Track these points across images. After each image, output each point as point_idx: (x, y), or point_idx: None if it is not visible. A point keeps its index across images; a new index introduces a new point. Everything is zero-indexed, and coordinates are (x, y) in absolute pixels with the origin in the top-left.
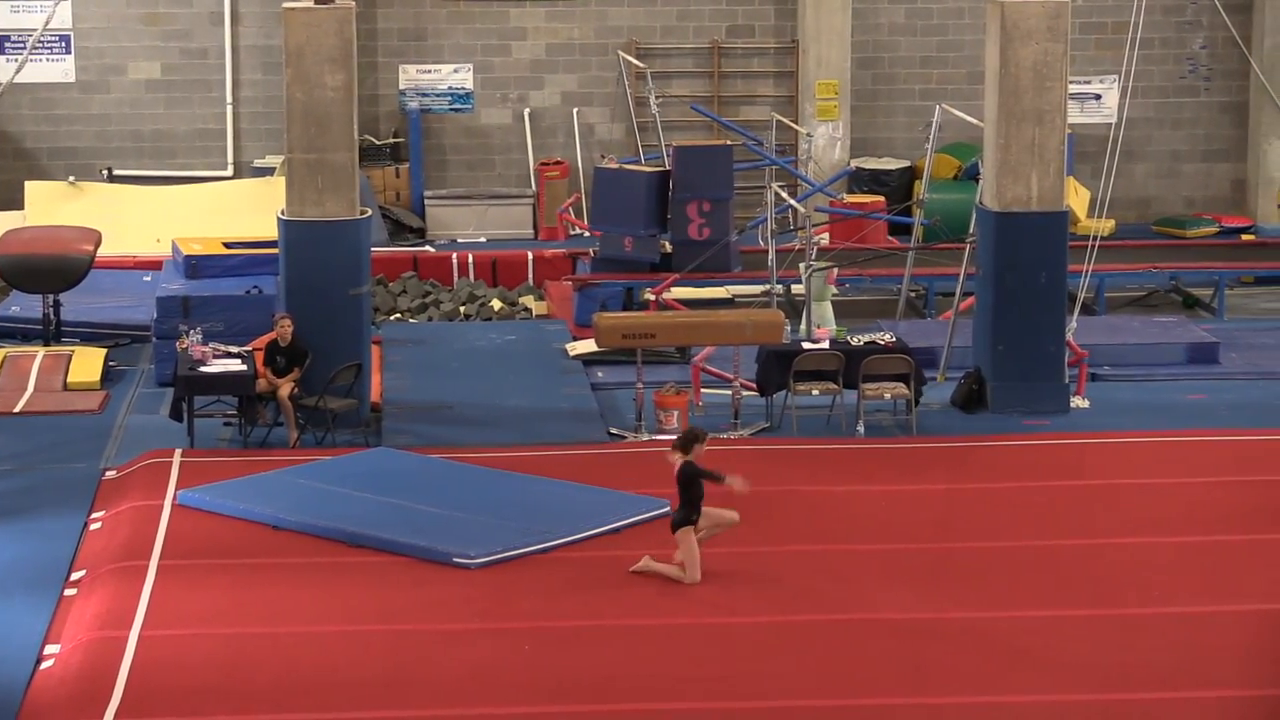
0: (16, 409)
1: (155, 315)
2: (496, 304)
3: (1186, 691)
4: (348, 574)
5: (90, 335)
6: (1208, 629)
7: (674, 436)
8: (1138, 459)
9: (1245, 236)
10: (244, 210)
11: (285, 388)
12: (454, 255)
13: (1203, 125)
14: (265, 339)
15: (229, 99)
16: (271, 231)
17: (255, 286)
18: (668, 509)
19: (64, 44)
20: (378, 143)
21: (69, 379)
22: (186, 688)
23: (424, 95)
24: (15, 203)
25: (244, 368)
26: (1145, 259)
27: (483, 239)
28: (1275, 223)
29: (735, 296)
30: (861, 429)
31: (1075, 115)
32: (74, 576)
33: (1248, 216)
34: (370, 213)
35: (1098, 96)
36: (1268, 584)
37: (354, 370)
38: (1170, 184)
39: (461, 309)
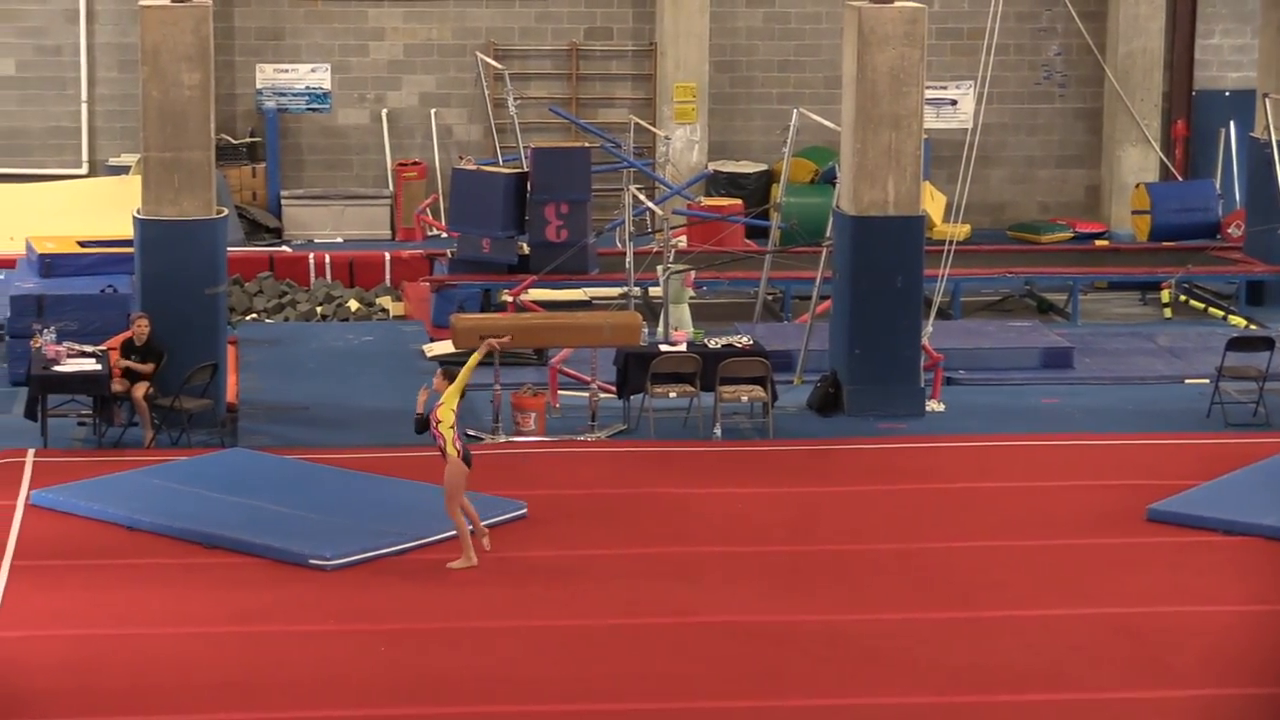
0: None
1: (9, 314)
2: (353, 305)
3: (1038, 694)
4: (203, 575)
5: None
6: (1059, 631)
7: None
8: (992, 463)
9: (1099, 242)
10: (99, 209)
11: (140, 388)
12: (311, 255)
13: (1057, 131)
14: (120, 338)
15: (84, 96)
16: (127, 230)
17: (110, 286)
18: (524, 511)
19: None
20: (234, 142)
21: None
22: (39, 689)
23: (281, 95)
24: None
25: (98, 367)
26: (1000, 264)
27: (340, 239)
28: (1129, 228)
29: (593, 299)
30: (718, 431)
31: (931, 121)
32: None
33: (1102, 222)
34: (226, 212)
35: (954, 102)
36: (1117, 587)
37: (210, 370)
38: (1025, 189)
39: (318, 309)
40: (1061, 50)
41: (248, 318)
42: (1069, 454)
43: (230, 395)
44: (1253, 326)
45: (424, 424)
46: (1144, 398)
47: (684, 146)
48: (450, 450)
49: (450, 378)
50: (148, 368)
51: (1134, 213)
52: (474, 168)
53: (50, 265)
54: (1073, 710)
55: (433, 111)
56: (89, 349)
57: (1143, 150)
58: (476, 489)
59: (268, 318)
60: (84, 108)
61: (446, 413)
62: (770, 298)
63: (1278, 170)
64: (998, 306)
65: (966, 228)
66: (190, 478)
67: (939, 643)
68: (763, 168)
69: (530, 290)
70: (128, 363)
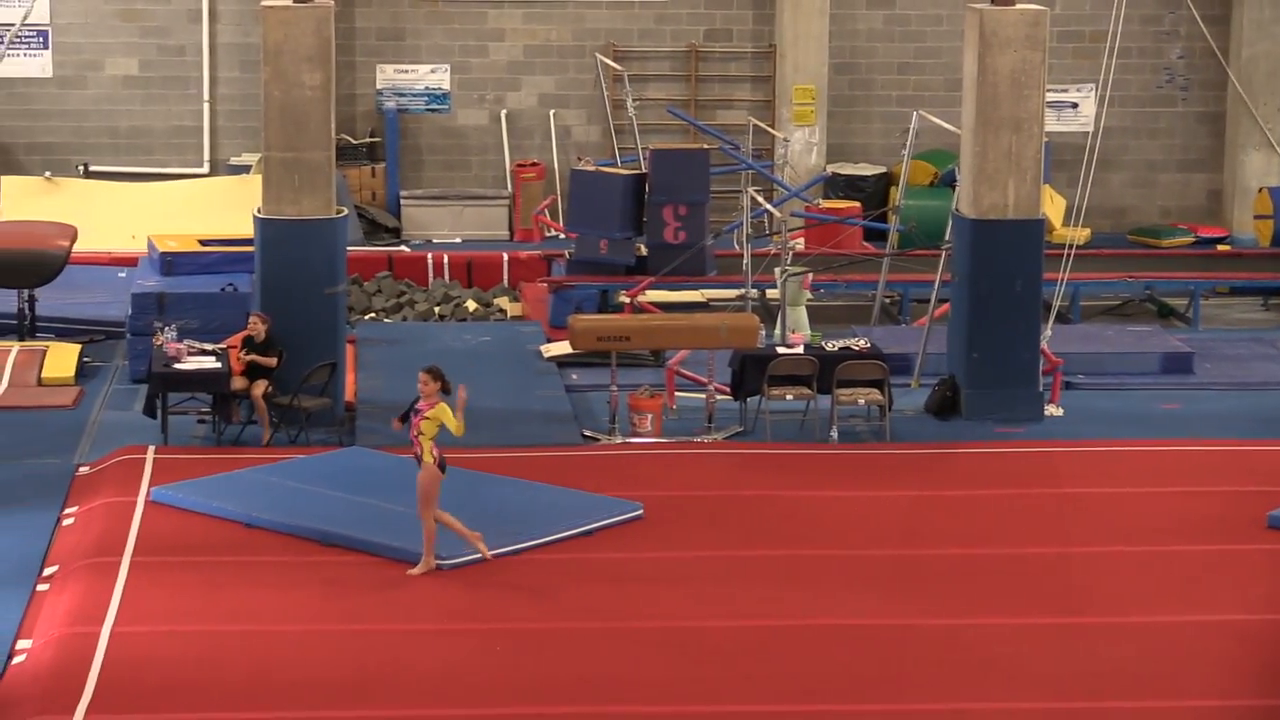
0: None
1: (130, 312)
2: (471, 305)
3: (1154, 701)
4: (319, 573)
5: (65, 331)
6: (1177, 638)
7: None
8: (1110, 468)
9: (1221, 247)
10: (220, 208)
11: (259, 386)
12: (429, 255)
13: (1179, 135)
14: (240, 336)
15: (206, 96)
16: (247, 229)
17: (230, 284)
18: (641, 512)
19: (42, 39)
20: (354, 142)
21: (43, 375)
22: (157, 684)
23: (401, 95)
24: None
25: (218, 365)
26: (1120, 268)
27: (458, 240)
28: (1251, 233)
29: (710, 300)
30: (835, 434)
31: (1052, 124)
32: (46, 572)
33: (1223, 227)
34: (346, 212)
35: (1075, 105)
36: (1237, 594)
37: (328, 369)
38: (1146, 193)
39: (436, 309)
40: (1184, 53)
41: (366, 317)
42: (1188, 460)
43: (348, 394)
44: None
45: (405, 416)
46: (1264, 404)
47: (802, 149)
48: (427, 457)
49: (435, 376)
50: (271, 360)
51: (1256, 217)
52: (592, 169)
53: (171, 264)
54: (1189, 717)
55: (551, 112)
56: (209, 347)
57: (1265, 154)
58: (595, 489)
59: (386, 317)
60: (206, 107)
61: (431, 427)
62: (888, 300)
63: None
64: (1117, 311)
65: (1086, 231)
66: (308, 476)
67: (1054, 648)
68: (881, 170)
69: (647, 291)
70: (253, 356)
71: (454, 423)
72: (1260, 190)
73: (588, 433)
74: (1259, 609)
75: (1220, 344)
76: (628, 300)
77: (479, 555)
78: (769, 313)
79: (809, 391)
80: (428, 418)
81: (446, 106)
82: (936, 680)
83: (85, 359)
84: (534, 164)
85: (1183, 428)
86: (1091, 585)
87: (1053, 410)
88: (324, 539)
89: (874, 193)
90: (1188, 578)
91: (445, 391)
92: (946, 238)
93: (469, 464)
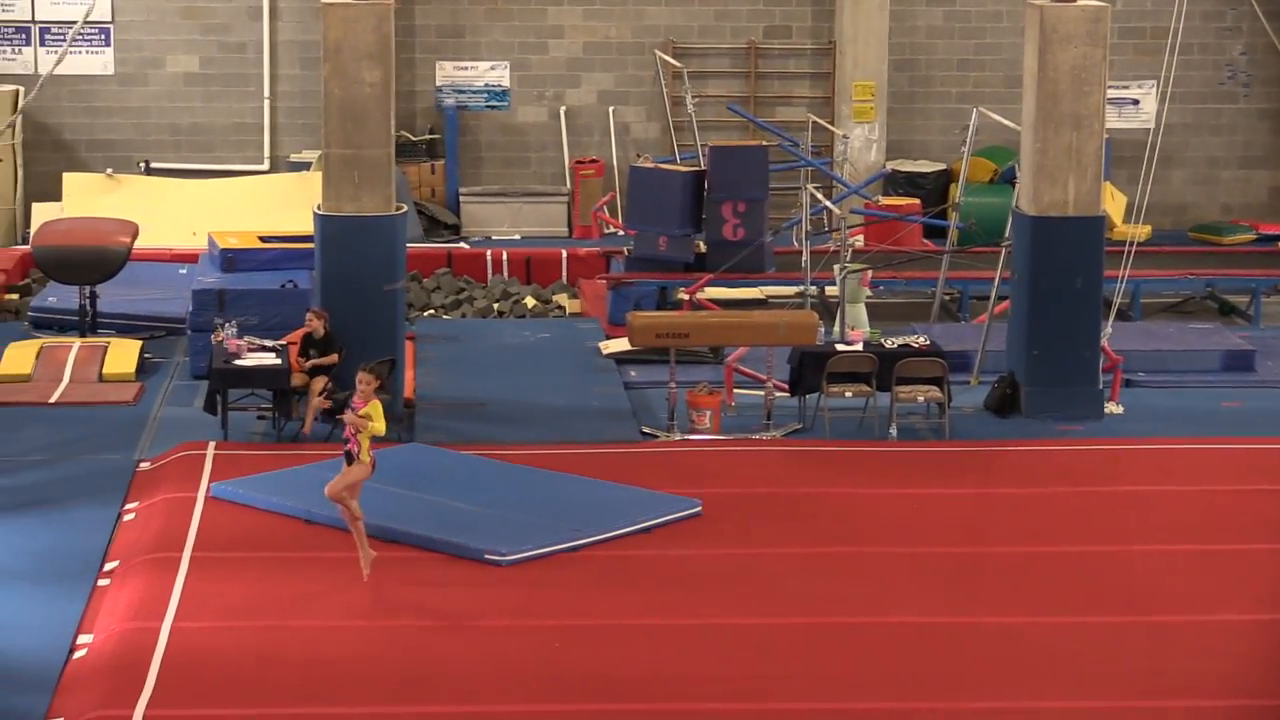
0: (52, 399)
1: (191, 308)
2: (530, 301)
3: (1215, 700)
4: (379, 569)
5: (126, 327)
6: (1236, 637)
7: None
8: (1172, 466)
9: None
10: (280, 204)
11: (319, 383)
12: (488, 252)
13: (1241, 132)
14: (300, 332)
15: (266, 93)
16: (307, 226)
17: (291, 281)
18: (699, 509)
19: (104, 36)
20: (414, 139)
21: (104, 370)
22: (218, 679)
23: (460, 92)
24: (53, 194)
25: (278, 362)
26: (1181, 265)
27: (517, 236)
28: None
29: (769, 297)
30: (894, 432)
31: (1113, 120)
32: (107, 567)
33: None
34: (406, 209)
35: (1136, 102)
36: None
37: (388, 365)
38: (1207, 190)
39: (495, 306)
40: (1246, 50)
41: (425, 313)
42: (1249, 458)
43: (408, 390)
44: None
45: (340, 409)
46: None
47: (862, 145)
48: (364, 456)
49: (376, 375)
50: (332, 358)
51: None
52: (651, 165)
53: (232, 260)
54: (1247, 717)
55: (611, 109)
56: (269, 343)
57: None
58: (653, 486)
59: (445, 314)
60: (266, 104)
61: (369, 432)
62: (948, 298)
63: None
64: (1178, 308)
65: (1147, 229)
66: None
67: (1114, 647)
68: (941, 167)
69: (706, 288)
70: (314, 362)
71: (382, 422)
72: None
73: (646, 429)
74: None
75: None
76: (686, 297)
77: (539, 552)
78: (828, 310)
79: (868, 389)
80: (364, 415)
81: (506, 103)
82: (996, 679)
83: (146, 355)
84: (593, 161)
85: (1244, 426)
86: (1152, 584)
87: (1113, 408)
88: (384, 535)
89: (933, 189)
90: (1248, 576)
91: (382, 390)
92: (1006, 235)
93: (528, 460)
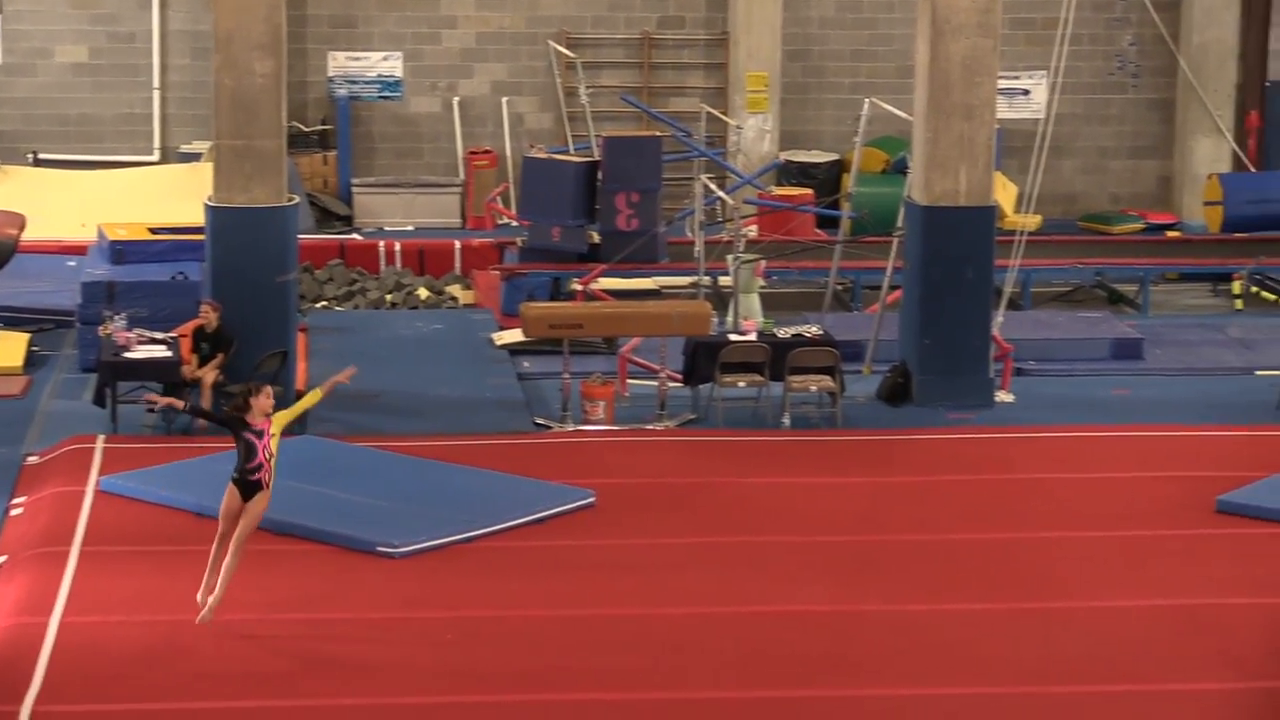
0: None
1: (80, 300)
2: (423, 292)
3: (1107, 685)
4: (271, 562)
5: (13, 320)
6: (1126, 623)
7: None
8: (1061, 453)
9: (1170, 233)
10: (170, 196)
11: (210, 374)
12: (381, 243)
13: (1130, 122)
14: (191, 325)
15: (156, 83)
16: (198, 218)
17: (181, 273)
18: (593, 499)
19: None
20: (306, 130)
21: None
22: (107, 675)
23: (353, 83)
24: None
25: (169, 354)
26: (1071, 254)
27: (410, 227)
28: (1200, 220)
29: (662, 288)
30: (787, 421)
31: (1004, 110)
32: None
33: (1173, 213)
34: (298, 200)
35: (1026, 92)
36: (1186, 578)
37: (279, 358)
38: (1097, 180)
39: (388, 297)
40: (1135, 40)
41: (318, 305)
42: (1138, 445)
43: (300, 382)
44: None
45: (197, 412)
46: (1214, 389)
47: (755, 136)
48: (271, 480)
49: (269, 395)
50: (219, 360)
51: (1206, 204)
52: (545, 156)
53: (121, 252)
54: (1139, 702)
55: (504, 100)
56: (159, 336)
57: (1215, 141)
58: (547, 476)
59: (338, 305)
60: (156, 95)
61: (277, 444)
62: (840, 288)
63: None
64: (1068, 297)
65: (1038, 218)
66: None
67: (1006, 634)
68: (834, 157)
69: (600, 279)
70: (197, 372)
71: (294, 413)
72: (1210, 176)
73: (539, 420)
74: (1210, 592)
75: (1170, 329)
76: (580, 288)
77: (432, 543)
78: (721, 300)
79: (761, 378)
80: (274, 434)
81: (399, 94)
82: (891, 666)
83: (34, 348)
84: (486, 152)
85: (1133, 413)
86: (1044, 570)
87: (1004, 396)
88: (275, 528)
89: (826, 180)
90: (1139, 562)
91: (273, 382)
92: (898, 225)
93: (421, 452)
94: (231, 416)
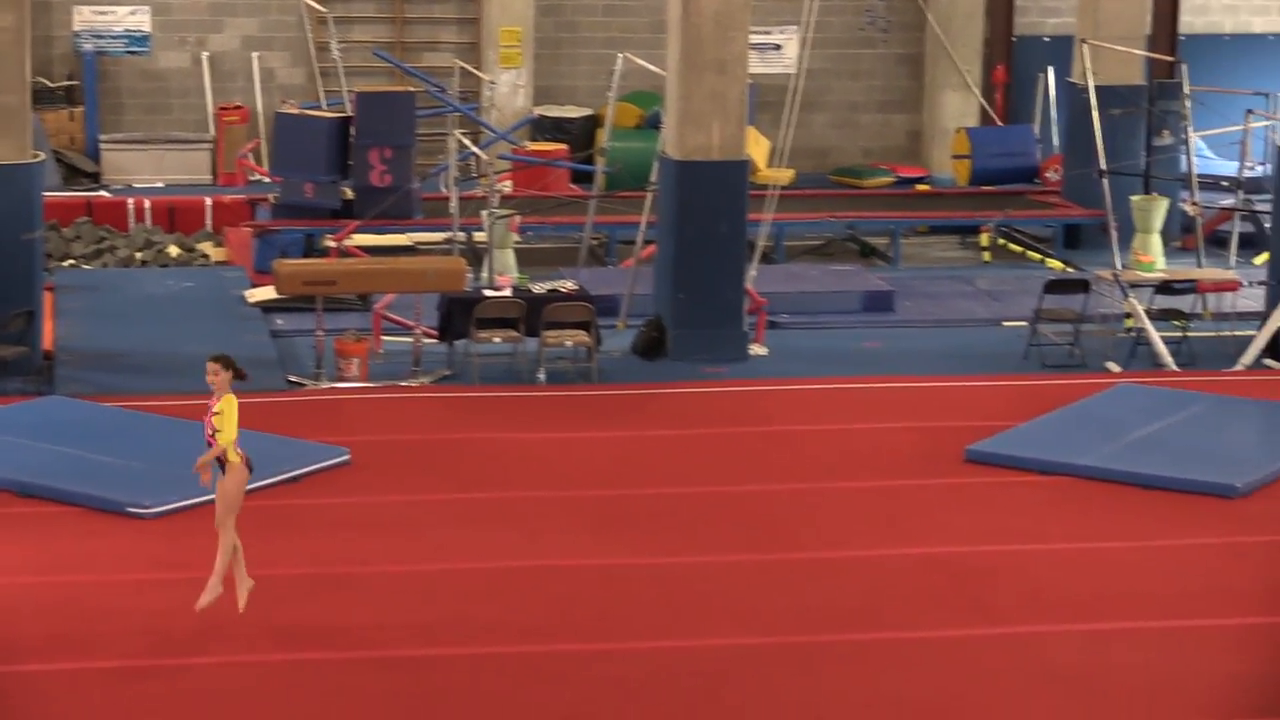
0: None
1: None
2: (174, 250)
3: (861, 634)
4: (18, 525)
5: None
6: (881, 572)
7: (353, 383)
8: (814, 405)
9: (920, 186)
10: None
11: None
12: (130, 201)
13: (880, 76)
14: None
15: None
16: None
17: None
18: (348, 457)
19: None
20: (51, 85)
21: None
22: None
23: (99, 37)
24: None
25: None
26: (823, 208)
27: (160, 184)
28: (949, 173)
29: (417, 244)
30: (543, 376)
31: (756, 65)
32: None
33: (922, 167)
34: (43, 157)
35: (778, 47)
36: (937, 527)
37: (25, 317)
38: (848, 134)
39: (138, 255)
40: None
41: (65, 264)
42: (889, 396)
43: (46, 342)
44: (1069, 270)
45: None
46: (963, 340)
47: (509, 91)
48: (232, 457)
49: (226, 365)
50: None
51: (954, 157)
52: (297, 112)
53: None
54: (895, 649)
55: (255, 55)
56: None
57: (963, 95)
58: (301, 435)
59: (86, 264)
60: None
61: (227, 424)
62: (595, 243)
63: (1095, 115)
64: (820, 251)
65: (790, 172)
66: (5, 426)
67: (763, 585)
68: (588, 112)
69: (353, 235)
70: None
71: (234, 424)
72: (958, 130)
73: (293, 378)
74: (960, 541)
75: (920, 282)
76: (333, 244)
77: (184, 504)
78: (476, 256)
79: (516, 334)
80: (218, 412)
81: (146, 49)
82: (647, 618)
83: None
84: (237, 107)
85: (884, 365)
86: (799, 521)
87: (757, 349)
88: (22, 490)
89: (580, 135)
90: (890, 512)
91: (240, 378)
92: (652, 179)
93: (171, 411)
94: None
